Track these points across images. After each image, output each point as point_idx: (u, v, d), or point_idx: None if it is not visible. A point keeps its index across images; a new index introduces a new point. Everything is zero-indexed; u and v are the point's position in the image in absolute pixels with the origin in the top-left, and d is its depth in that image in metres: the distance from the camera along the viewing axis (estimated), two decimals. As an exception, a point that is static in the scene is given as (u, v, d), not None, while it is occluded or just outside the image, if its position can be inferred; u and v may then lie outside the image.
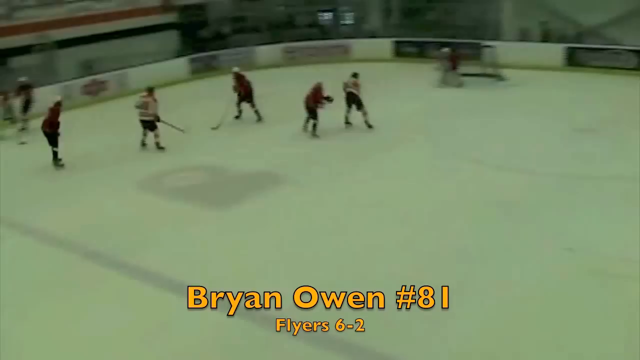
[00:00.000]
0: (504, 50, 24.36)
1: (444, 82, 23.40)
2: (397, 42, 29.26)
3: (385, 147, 16.90)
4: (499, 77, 23.69)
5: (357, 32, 32.30)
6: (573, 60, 25.55)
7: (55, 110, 16.84)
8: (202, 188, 14.76)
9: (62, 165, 16.65)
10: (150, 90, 17.84)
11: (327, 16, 34.11)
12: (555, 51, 25.85)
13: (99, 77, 24.86)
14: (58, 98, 17.33)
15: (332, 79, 18.80)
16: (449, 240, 11.35)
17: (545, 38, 27.05)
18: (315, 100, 18.03)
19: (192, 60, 27.94)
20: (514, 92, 22.52)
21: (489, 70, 24.03)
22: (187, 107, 22.15)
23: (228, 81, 20.98)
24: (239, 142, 18.13)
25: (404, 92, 20.78)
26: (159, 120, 17.55)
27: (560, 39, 26.61)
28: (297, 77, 20.57)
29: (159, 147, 17.56)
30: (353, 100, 18.51)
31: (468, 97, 22.11)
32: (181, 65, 27.40)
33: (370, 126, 18.36)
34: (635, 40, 24.77)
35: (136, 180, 15.23)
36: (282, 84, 21.03)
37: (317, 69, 22.18)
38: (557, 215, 12.12)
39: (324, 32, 32.74)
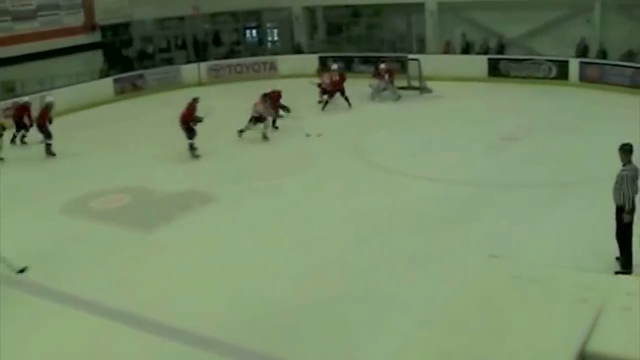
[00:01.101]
0: (428, 62, 24.75)
1: (378, 96, 23.56)
2: (323, 58, 29.40)
3: (316, 160, 17.03)
4: (423, 90, 24.00)
5: (284, 48, 32.42)
6: (495, 71, 26.12)
7: (191, 106, 17.89)
8: (128, 210, 14.51)
9: (197, 156, 17.78)
10: (265, 95, 19.29)
11: (253, 33, 34.13)
12: (478, 62, 26.38)
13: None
14: (194, 95, 18.46)
15: (260, 94, 18.88)
16: (375, 250, 11.48)
17: (468, 50, 27.54)
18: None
19: (117, 80, 27.48)
20: (438, 103, 22.88)
21: (414, 83, 24.33)
22: (113, 127, 21.83)
23: (154, 100, 20.79)
24: (163, 161, 17.81)
25: (331, 106, 21.00)
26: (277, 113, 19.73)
27: (483, 51, 27.14)
28: (223, 94, 20.54)
29: (265, 137, 19.08)
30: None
31: (394, 109, 22.35)
32: (106, 85, 26.95)
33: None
34: (553, 50, 25.50)
35: (61, 204, 14.88)
36: (208, 102, 20.89)
37: (244, 86, 22.17)
38: (481, 223, 12.36)
39: (250, 49, 32.75)
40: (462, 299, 5.86)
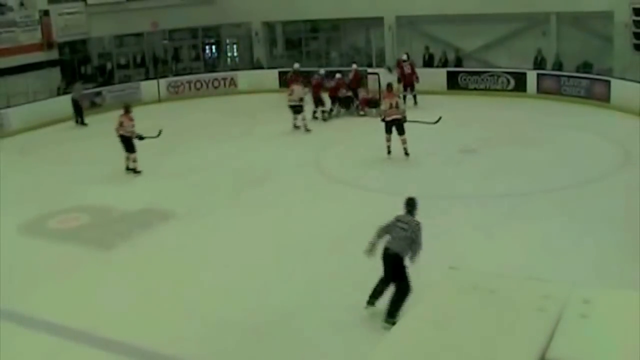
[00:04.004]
0: (388, 76, 24.73)
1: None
2: (283, 73, 29.39)
3: (274, 174, 17.01)
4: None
5: (243, 63, 32.38)
6: (454, 83, 26.31)
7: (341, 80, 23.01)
8: (87, 229, 14.26)
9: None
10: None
11: (212, 48, 34.06)
12: (437, 75, 26.50)
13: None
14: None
15: (219, 110, 18.78)
16: (333, 264, 11.49)
17: (431, 62, 27.65)
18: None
19: (76, 98, 27.11)
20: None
21: (374, 97, 24.34)
22: (71, 144, 21.61)
23: (113, 117, 20.52)
24: (121, 179, 17.57)
25: (290, 121, 21.03)
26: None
27: (442, 64, 27.34)
28: (182, 111, 20.40)
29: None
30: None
31: (352, 124, 22.37)
32: (64, 103, 26.55)
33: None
34: (510, 63, 25.81)
35: (18, 223, 14.62)
36: (166, 118, 20.78)
37: (203, 102, 22.11)
38: (440, 235, 12.35)
39: (210, 65, 32.65)
40: (423, 310, 5.86)
